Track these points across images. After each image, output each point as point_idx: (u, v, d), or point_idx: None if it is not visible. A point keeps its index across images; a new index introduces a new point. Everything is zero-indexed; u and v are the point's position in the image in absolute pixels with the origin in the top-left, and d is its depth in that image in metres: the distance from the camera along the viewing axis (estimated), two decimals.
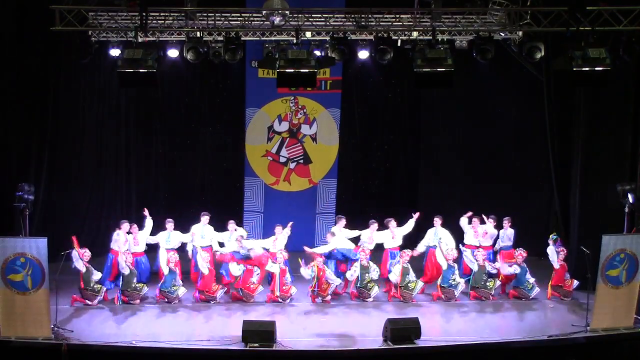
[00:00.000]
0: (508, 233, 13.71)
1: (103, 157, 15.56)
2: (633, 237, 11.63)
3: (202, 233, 13.47)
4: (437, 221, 13.63)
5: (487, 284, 13.05)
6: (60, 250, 11.74)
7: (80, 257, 12.42)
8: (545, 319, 12.27)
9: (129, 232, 13.22)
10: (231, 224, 13.58)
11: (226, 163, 16.34)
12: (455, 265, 13.15)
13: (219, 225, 13.70)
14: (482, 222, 13.72)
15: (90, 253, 12.69)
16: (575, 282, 13.00)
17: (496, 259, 13.50)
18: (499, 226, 13.75)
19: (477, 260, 13.09)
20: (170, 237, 13.31)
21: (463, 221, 13.76)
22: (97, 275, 12.68)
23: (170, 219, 13.47)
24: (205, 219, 13.56)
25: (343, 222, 13.62)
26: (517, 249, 13.20)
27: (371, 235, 13.47)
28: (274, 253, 13.09)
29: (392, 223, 13.52)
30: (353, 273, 12.94)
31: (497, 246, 13.81)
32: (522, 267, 13.03)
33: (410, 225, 13.60)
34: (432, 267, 13.53)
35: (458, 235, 13.76)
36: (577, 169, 13.72)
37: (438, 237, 13.50)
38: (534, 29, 12.71)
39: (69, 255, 12.23)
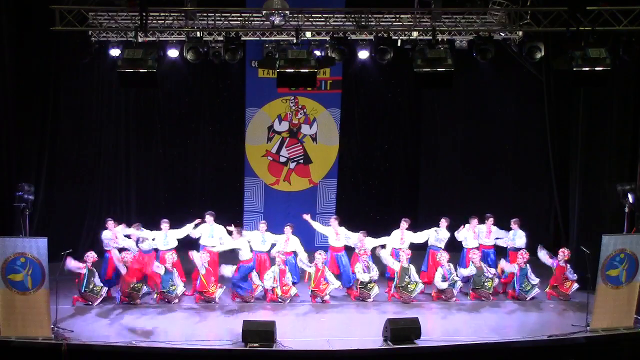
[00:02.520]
0: (518, 234, 13.63)
1: (103, 157, 15.54)
2: (633, 237, 11.63)
3: (210, 232, 13.40)
4: (444, 223, 13.59)
5: (487, 284, 13.05)
6: (60, 250, 11.74)
7: (76, 268, 12.39)
8: (545, 319, 12.26)
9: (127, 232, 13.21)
10: (262, 224, 13.50)
11: (226, 163, 16.33)
12: (452, 266, 13.13)
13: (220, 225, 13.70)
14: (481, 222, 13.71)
15: (95, 255, 12.69)
16: (575, 284, 12.98)
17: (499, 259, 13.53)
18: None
19: (474, 262, 13.09)
20: (167, 238, 13.28)
21: (461, 234, 13.67)
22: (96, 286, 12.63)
23: (166, 220, 13.40)
24: (210, 218, 13.46)
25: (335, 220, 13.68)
26: (520, 251, 13.18)
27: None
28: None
29: (404, 224, 13.51)
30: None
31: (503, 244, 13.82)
32: (523, 268, 13.02)
33: (423, 236, 13.60)
34: (430, 268, 13.51)
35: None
36: (577, 169, 13.73)
37: (440, 237, 13.51)
38: (534, 29, 12.70)
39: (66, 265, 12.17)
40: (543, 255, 13.18)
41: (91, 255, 12.61)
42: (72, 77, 14.49)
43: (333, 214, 15.72)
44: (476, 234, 13.61)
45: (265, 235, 13.33)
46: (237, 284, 12.80)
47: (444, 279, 12.87)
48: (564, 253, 13.07)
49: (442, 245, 13.54)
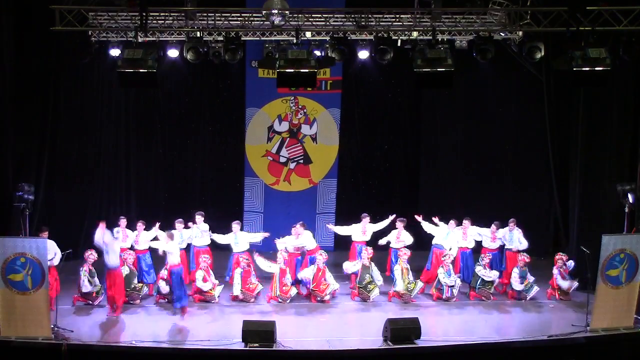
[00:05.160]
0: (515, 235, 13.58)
1: (103, 157, 15.56)
2: (633, 237, 11.63)
3: (197, 233, 13.34)
4: (452, 224, 13.52)
5: (487, 284, 13.05)
6: (60, 250, 11.72)
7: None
8: (545, 319, 12.27)
9: (131, 228, 13.17)
10: (236, 224, 13.44)
11: (226, 163, 16.35)
12: (451, 267, 13.13)
13: (220, 225, 13.69)
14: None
15: (96, 255, 12.65)
16: (575, 284, 12.98)
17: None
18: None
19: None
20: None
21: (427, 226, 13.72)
22: (95, 286, 12.53)
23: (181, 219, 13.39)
24: (199, 218, 13.43)
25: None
26: (521, 254, 13.16)
27: (364, 229, 13.52)
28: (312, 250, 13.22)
29: (399, 224, 13.54)
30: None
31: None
32: (522, 270, 13.01)
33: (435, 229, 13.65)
34: (433, 267, 13.50)
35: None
36: (577, 169, 13.73)
37: (449, 238, 13.49)
38: (534, 29, 12.71)
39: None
40: (565, 283, 13.01)
41: (91, 255, 12.58)
42: (72, 77, 14.50)
43: (333, 213, 15.77)
44: (466, 235, 13.58)
45: (238, 235, 13.30)
46: (176, 294, 12.12)
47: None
48: (562, 260, 13.01)
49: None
